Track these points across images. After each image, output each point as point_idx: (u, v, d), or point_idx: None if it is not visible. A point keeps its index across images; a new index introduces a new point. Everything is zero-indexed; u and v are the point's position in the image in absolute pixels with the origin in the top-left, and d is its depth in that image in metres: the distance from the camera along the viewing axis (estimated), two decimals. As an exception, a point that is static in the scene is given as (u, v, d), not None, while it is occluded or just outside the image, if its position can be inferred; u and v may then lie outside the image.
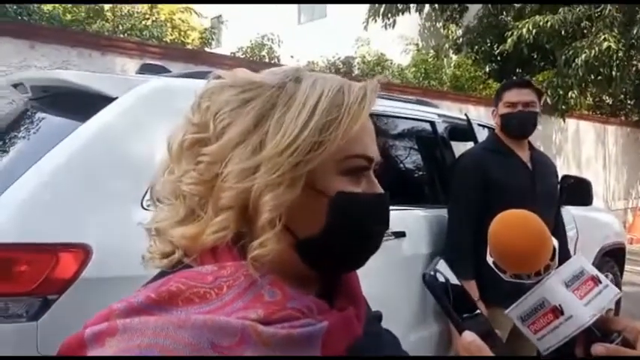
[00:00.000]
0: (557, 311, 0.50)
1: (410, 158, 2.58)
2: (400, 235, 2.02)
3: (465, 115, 2.72)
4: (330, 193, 0.50)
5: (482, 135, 2.56)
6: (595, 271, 0.52)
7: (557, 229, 2.22)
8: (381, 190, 0.54)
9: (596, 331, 0.50)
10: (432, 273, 0.51)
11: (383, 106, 2.36)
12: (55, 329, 1.19)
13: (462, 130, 2.62)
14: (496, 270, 0.55)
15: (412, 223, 2.11)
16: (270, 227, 0.48)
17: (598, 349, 0.49)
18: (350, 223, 0.51)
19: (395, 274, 1.93)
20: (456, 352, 0.48)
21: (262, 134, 0.49)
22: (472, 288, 1.97)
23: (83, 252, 1.26)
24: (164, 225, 0.51)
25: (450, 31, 9.37)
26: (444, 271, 0.52)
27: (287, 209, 0.49)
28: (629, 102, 9.87)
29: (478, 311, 0.52)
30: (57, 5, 5.85)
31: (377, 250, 0.55)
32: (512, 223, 0.53)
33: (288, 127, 0.48)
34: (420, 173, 2.59)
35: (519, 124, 2.08)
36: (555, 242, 0.53)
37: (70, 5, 6.04)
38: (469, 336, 0.47)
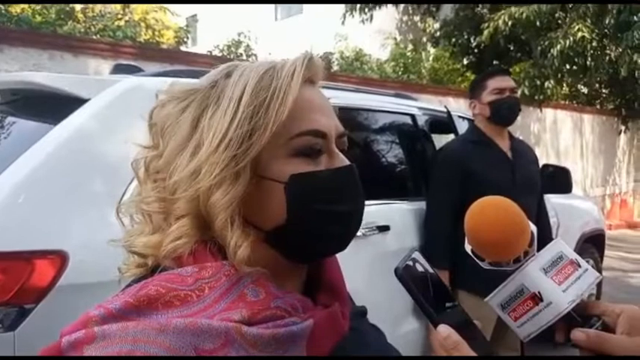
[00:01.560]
0: (537, 298, 0.49)
1: (392, 152, 2.59)
2: (384, 229, 2.02)
3: (445, 107, 2.74)
4: (283, 179, 0.48)
5: (462, 127, 2.57)
6: (574, 255, 0.52)
7: (541, 216, 2.24)
8: (343, 163, 0.51)
9: (576, 316, 0.50)
10: (411, 263, 0.50)
11: (363, 100, 2.36)
12: (33, 339, 1.16)
13: (443, 123, 2.63)
14: (474, 258, 0.54)
15: (396, 217, 2.11)
16: (230, 227, 0.47)
17: (577, 335, 0.49)
18: (313, 204, 0.49)
19: (380, 268, 1.93)
20: (432, 347, 0.47)
21: (198, 137, 0.49)
22: (444, 278, 1.99)
23: (60, 258, 1.23)
24: (133, 239, 0.52)
25: (427, 25, 9.42)
26: (422, 261, 0.51)
27: (242, 204, 0.48)
28: (603, 91, 10.07)
29: (457, 302, 0.51)
30: (26, 7, 5.70)
31: (357, 228, 0.52)
32: (488, 211, 0.52)
33: (219, 123, 0.48)
34: (402, 167, 2.59)
35: (510, 110, 2.12)
36: (534, 228, 0.53)
37: (39, 7, 5.89)
38: (444, 331, 0.46)
